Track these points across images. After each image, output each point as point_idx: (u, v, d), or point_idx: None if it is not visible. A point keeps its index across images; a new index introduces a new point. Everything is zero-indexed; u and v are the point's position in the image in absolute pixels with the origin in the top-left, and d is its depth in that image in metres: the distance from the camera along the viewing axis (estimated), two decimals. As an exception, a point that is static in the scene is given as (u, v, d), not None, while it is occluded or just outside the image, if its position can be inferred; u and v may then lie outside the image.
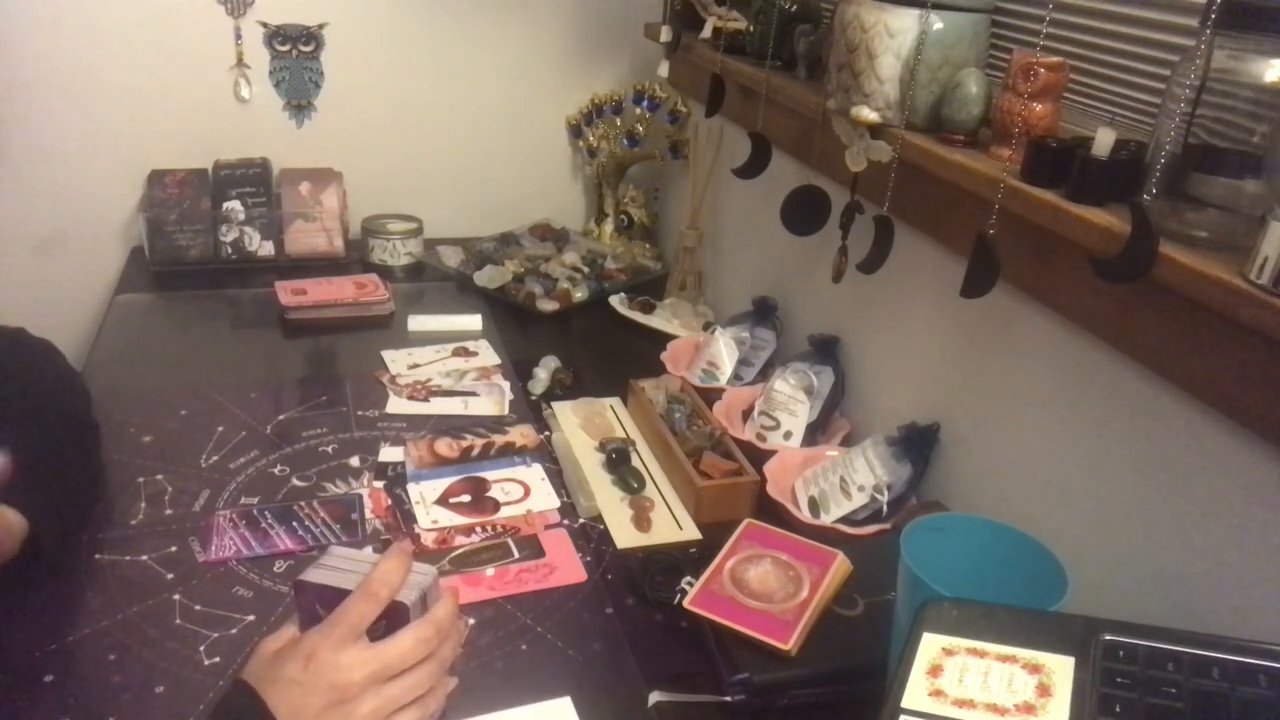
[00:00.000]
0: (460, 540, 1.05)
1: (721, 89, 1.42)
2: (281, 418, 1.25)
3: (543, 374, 1.38)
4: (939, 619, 0.64)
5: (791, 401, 1.23)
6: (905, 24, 1.02)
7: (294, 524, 1.04)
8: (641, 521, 1.11)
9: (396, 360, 1.42)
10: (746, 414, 1.30)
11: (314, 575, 0.68)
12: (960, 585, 0.72)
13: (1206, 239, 0.75)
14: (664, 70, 1.76)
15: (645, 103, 1.85)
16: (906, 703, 0.57)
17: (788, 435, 1.22)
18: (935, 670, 0.59)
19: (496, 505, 1.11)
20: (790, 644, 0.85)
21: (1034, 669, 0.58)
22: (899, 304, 1.19)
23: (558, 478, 1.18)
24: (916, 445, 1.10)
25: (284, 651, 0.66)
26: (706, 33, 1.57)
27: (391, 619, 0.67)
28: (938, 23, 1.01)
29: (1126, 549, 0.86)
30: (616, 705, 0.85)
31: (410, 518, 1.08)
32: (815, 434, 1.24)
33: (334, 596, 0.67)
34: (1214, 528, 0.78)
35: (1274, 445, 0.72)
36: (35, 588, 0.93)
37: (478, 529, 1.07)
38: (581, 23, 1.86)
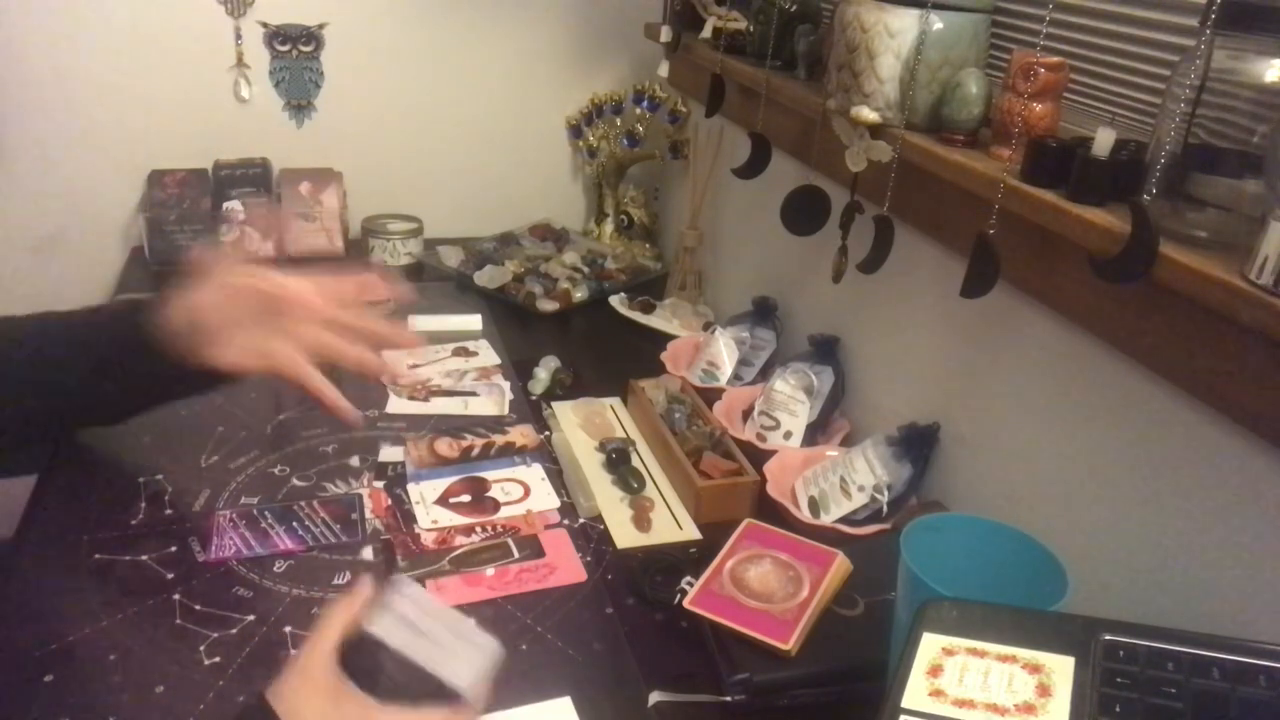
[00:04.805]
0: (460, 540, 1.05)
1: (721, 89, 1.42)
2: (281, 418, 1.25)
3: (543, 374, 1.38)
4: (939, 619, 0.64)
5: (791, 401, 1.23)
6: (905, 24, 1.02)
7: (294, 524, 1.04)
8: (641, 521, 1.11)
9: (396, 360, 1.42)
10: (746, 414, 1.30)
11: (383, 628, 0.64)
12: (960, 585, 0.72)
13: (1206, 239, 0.75)
14: (664, 70, 1.76)
15: (645, 103, 1.85)
16: (906, 703, 0.57)
17: (788, 435, 1.22)
18: (935, 670, 0.59)
19: (496, 505, 1.11)
20: (790, 644, 0.85)
21: (1034, 669, 0.58)
22: (899, 304, 1.19)
23: (558, 478, 1.18)
24: (916, 445, 1.10)
25: (338, 715, 0.63)
26: (706, 33, 1.57)
27: (447, 693, 0.65)
28: (938, 23, 1.01)
29: (1126, 549, 0.86)
30: (616, 705, 0.85)
31: (410, 518, 1.08)
32: (815, 434, 1.24)
33: (403, 660, 0.64)
34: (1214, 527, 0.78)
35: (1274, 445, 0.72)
36: (35, 588, 0.93)
37: (478, 529, 1.07)
38: (581, 23, 1.86)
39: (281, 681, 0.64)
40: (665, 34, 1.60)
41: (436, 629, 0.67)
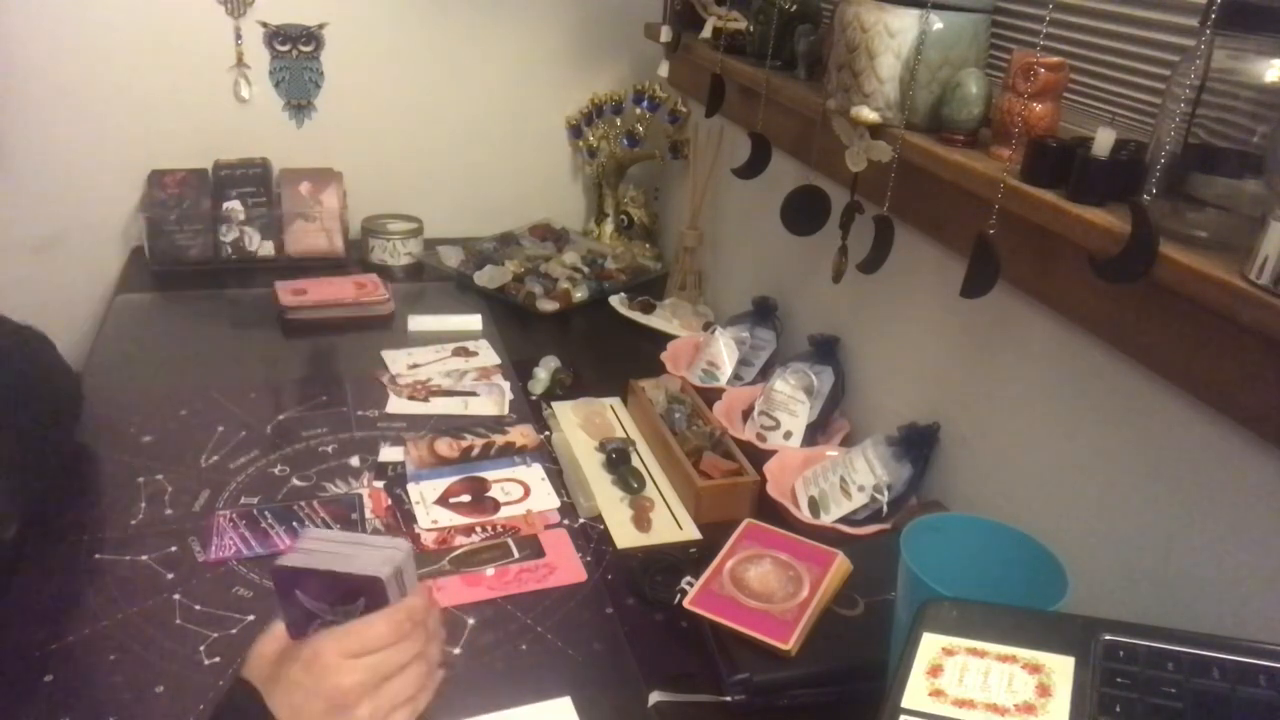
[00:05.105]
0: (460, 540, 1.05)
1: (721, 89, 1.42)
2: (281, 418, 1.25)
3: (543, 374, 1.38)
4: (939, 619, 0.64)
5: (791, 401, 1.23)
6: (905, 24, 1.02)
7: (294, 524, 1.04)
8: (641, 521, 1.11)
9: (396, 360, 1.42)
10: (746, 414, 1.30)
11: (291, 559, 0.68)
12: (960, 585, 0.72)
13: (1206, 239, 0.75)
14: (664, 70, 1.76)
15: (645, 103, 1.85)
16: (906, 703, 0.57)
17: (788, 435, 1.22)
18: (935, 670, 0.59)
19: (496, 505, 1.11)
20: (790, 644, 0.85)
21: (1034, 669, 0.58)
22: (899, 304, 1.19)
23: (558, 478, 1.18)
24: (916, 445, 1.10)
25: (287, 653, 0.67)
26: (706, 33, 1.57)
27: (369, 595, 0.67)
28: (938, 23, 1.01)
29: (1127, 549, 0.86)
30: (616, 705, 0.86)
31: (410, 518, 1.08)
32: (815, 434, 1.24)
33: (311, 579, 0.67)
34: (1214, 528, 0.78)
35: (1274, 445, 0.72)
36: (35, 588, 0.93)
37: (478, 529, 1.07)
38: (581, 23, 1.86)
39: (251, 660, 0.68)
40: (665, 34, 1.60)
41: (340, 546, 0.69)
